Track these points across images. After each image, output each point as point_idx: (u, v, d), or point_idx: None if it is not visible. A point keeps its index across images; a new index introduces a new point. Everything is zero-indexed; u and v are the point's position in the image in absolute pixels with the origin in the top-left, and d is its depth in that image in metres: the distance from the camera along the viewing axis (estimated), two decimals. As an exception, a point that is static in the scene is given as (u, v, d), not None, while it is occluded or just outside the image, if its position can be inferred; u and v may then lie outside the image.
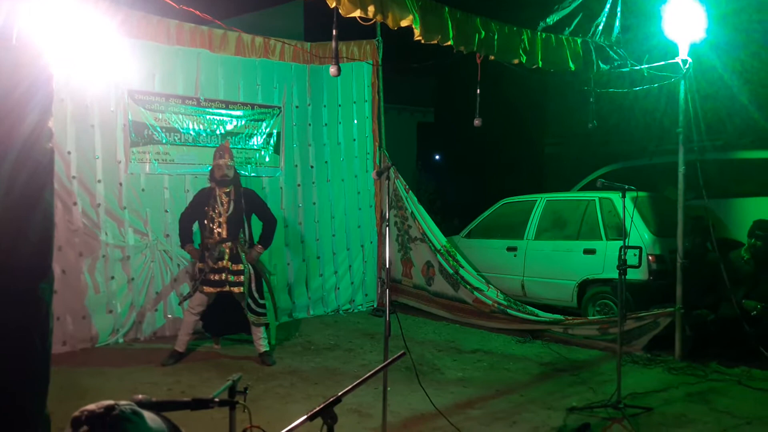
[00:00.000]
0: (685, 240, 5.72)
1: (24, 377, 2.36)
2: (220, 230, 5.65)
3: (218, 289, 5.66)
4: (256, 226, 5.96)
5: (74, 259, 6.00)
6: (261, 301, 5.75)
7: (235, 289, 5.66)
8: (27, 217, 2.43)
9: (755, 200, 7.10)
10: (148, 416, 1.45)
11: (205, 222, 5.68)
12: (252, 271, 5.72)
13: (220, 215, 5.66)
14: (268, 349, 5.77)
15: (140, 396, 1.83)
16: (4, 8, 2.44)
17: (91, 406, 1.36)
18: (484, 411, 4.61)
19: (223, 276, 5.64)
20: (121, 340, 6.29)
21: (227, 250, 5.64)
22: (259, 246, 5.82)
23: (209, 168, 6.83)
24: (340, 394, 1.92)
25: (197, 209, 5.77)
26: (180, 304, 6.31)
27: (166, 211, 6.64)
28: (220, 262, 5.63)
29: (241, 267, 5.66)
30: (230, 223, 5.65)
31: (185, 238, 5.83)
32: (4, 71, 2.45)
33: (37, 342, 2.39)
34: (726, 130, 7.70)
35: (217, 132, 7.01)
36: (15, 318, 2.32)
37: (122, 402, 1.39)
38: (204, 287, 5.65)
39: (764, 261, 5.96)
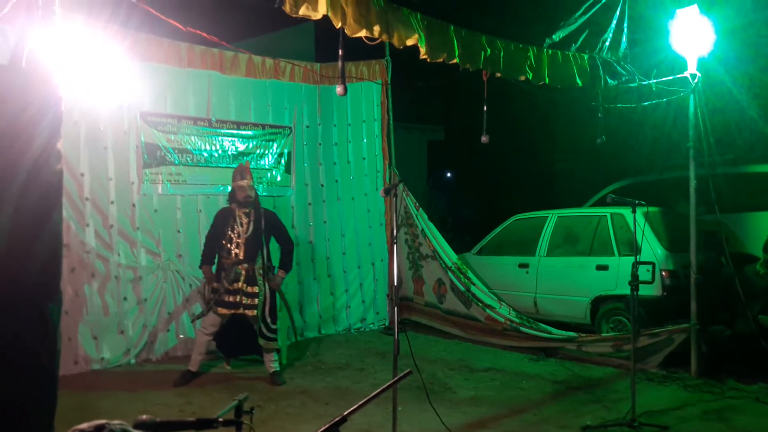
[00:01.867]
0: (698, 255, 5.66)
1: (30, 396, 2.37)
2: (237, 251, 5.60)
3: (232, 311, 5.61)
4: (272, 247, 5.96)
5: (87, 280, 6.04)
6: (273, 326, 5.71)
7: (249, 312, 5.61)
8: (35, 237, 2.46)
9: (768, 214, 7.02)
10: None
11: (223, 242, 5.64)
12: (267, 295, 5.68)
13: (238, 236, 5.62)
14: (278, 369, 5.75)
15: (144, 416, 1.83)
16: (15, 32, 2.49)
17: (83, 426, 1.36)
18: (497, 431, 4.55)
19: (238, 298, 5.59)
20: (133, 361, 6.30)
21: (243, 272, 5.60)
22: (282, 271, 5.80)
23: (221, 188, 6.94)
24: (346, 413, 1.90)
25: (220, 229, 5.73)
26: (193, 322, 6.29)
27: (179, 232, 6.69)
28: (235, 284, 5.59)
29: (256, 290, 5.62)
30: (248, 245, 5.61)
31: (206, 258, 5.80)
32: (14, 93, 2.49)
33: (45, 362, 2.40)
34: (736, 144, 7.66)
35: (229, 152, 7.07)
36: (22, 337, 2.34)
37: (114, 422, 1.40)
38: (218, 308, 5.60)
39: (780, 275, 5.89)
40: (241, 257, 5.59)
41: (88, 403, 5.03)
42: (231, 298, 5.59)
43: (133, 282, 6.35)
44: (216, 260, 5.77)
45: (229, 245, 5.61)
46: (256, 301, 5.60)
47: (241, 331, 5.78)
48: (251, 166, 7.20)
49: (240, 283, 5.59)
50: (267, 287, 5.69)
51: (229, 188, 6.91)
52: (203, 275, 5.89)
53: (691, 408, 4.92)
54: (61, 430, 2.63)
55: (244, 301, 5.60)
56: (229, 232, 5.62)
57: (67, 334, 5.75)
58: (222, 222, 5.72)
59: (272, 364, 5.70)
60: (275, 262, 5.89)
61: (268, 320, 5.66)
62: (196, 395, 5.34)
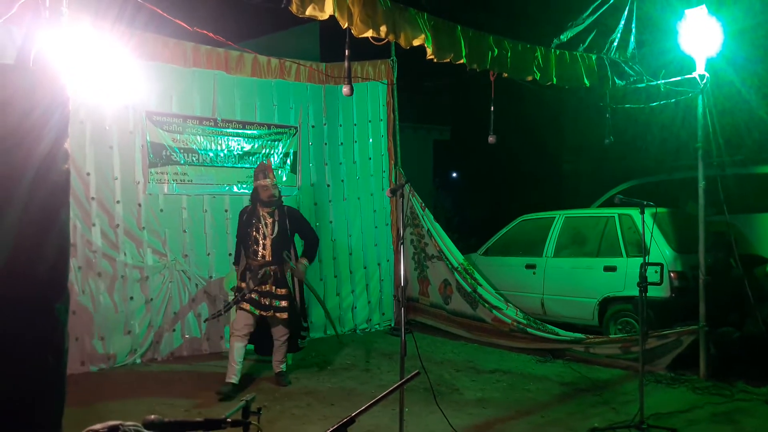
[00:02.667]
0: (707, 256, 5.61)
1: (39, 396, 2.36)
2: (264, 252, 5.43)
3: (263, 313, 5.41)
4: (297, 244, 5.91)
5: (93, 279, 6.05)
6: (305, 324, 5.77)
7: (280, 315, 5.43)
8: (43, 236, 2.45)
9: (778, 215, 6.98)
10: None
11: (249, 242, 5.48)
12: (297, 294, 5.62)
13: (264, 237, 5.44)
14: (285, 369, 5.73)
15: (152, 416, 1.82)
16: (22, 32, 2.49)
17: (97, 426, 1.36)
18: (504, 432, 4.53)
19: (269, 301, 5.41)
20: (138, 361, 6.30)
21: (272, 274, 5.43)
22: (304, 258, 5.67)
23: (226, 188, 6.94)
24: (353, 414, 1.89)
25: (245, 229, 5.57)
26: (205, 321, 6.29)
27: (185, 232, 6.69)
28: (263, 286, 5.40)
29: (285, 291, 5.48)
30: (275, 246, 5.46)
31: (237, 259, 5.75)
32: (22, 94, 2.49)
33: (51, 361, 2.39)
34: (745, 145, 7.60)
35: (235, 152, 7.07)
36: (30, 336, 2.33)
37: (128, 423, 1.39)
38: (245, 304, 5.38)
39: (790, 277, 5.85)
40: (268, 258, 5.43)
41: (94, 403, 5.02)
42: (263, 300, 5.39)
43: (139, 282, 6.36)
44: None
45: (255, 246, 5.44)
46: (285, 303, 5.44)
47: (264, 331, 5.65)
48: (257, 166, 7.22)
49: (268, 285, 5.41)
50: (296, 287, 5.60)
51: (235, 188, 7.00)
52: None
53: (700, 410, 4.88)
54: (68, 430, 2.62)
55: (275, 304, 5.41)
56: (254, 233, 5.46)
57: (74, 334, 5.75)
58: (246, 222, 5.56)
59: (281, 364, 5.65)
60: (302, 253, 5.80)
61: (300, 319, 5.64)
62: (202, 395, 5.33)
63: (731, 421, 4.66)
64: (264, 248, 5.44)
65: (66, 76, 2.67)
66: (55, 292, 2.49)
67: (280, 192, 5.67)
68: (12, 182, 2.37)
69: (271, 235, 5.45)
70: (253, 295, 5.37)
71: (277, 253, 5.47)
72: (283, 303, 5.44)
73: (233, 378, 5.36)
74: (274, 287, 5.44)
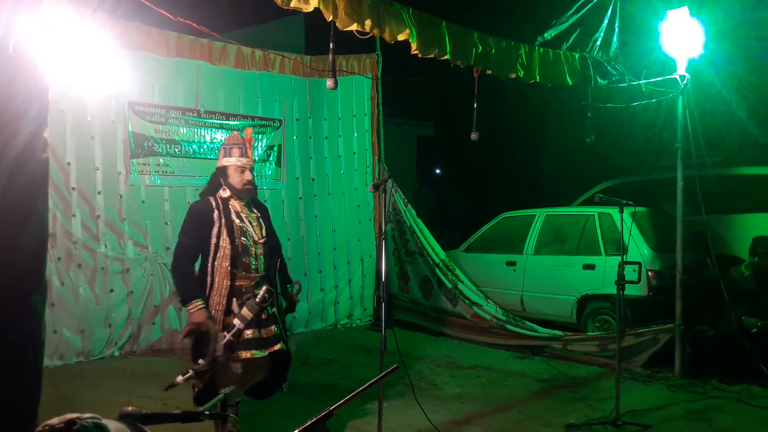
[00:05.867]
0: (684, 256, 5.70)
1: (15, 389, 2.33)
2: (257, 264, 3.73)
3: (271, 350, 3.73)
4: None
5: (73, 271, 5.99)
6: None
7: (279, 347, 3.80)
8: (21, 226, 2.42)
9: (755, 216, 7.09)
10: (115, 428, 1.43)
11: (236, 253, 3.68)
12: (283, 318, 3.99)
13: (254, 241, 3.74)
14: None
15: (130, 408, 1.81)
16: (1, 19, 2.44)
17: (53, 420, 1.34)
18: (482, 428, 4.57)
19: (273, 329, 3.78)
20: (117, 353, 6.26)
21: (272, 293, 3.76)
22: (297, 281, 4.18)
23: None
24: (332, 408, 1.90)
25: (202, 236, 3.65)
26: (167, 388, 3.60)
27: (167, 224, 6.64)
28: (264, 313, 3.72)
29: (275, 312, 3.86)
30: (266, 254, 3.81)
31: (190, 289, 3.57)
32: (1, 82, 2.45)
33: (30, 354, 2.37)
34: (725, 146, 7.72)
35: (218, 144, 7.01)
36: (7, 328, 2.30)
37: (85, 415, 1.38)
38: (241, 353, 3.60)
39: (765, 278, 5.94)
40: (262, 272, 3.76)
41: (71, 396, 4.98)
42: (265, 332, 3.73)
43: (120, 274, 6.31)
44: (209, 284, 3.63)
45: (245, 257, 3.69)
46: (275, 329, 3.82)
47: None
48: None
49: (273, 309, 3.79)
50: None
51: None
52: (194, 321, 3.49)
53: (675, 407, 4.96)
54: (42, 421, 2.60)
55: (275, 332, 3.79)
56: (241, 238, 3.69)
57: (53, 326, 5.70)
58: (205, 223, 3.67)
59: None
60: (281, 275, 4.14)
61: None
62: (180, 388, 5.25)
63: (705, 418, 4.74)
64: (256, 258, 3.73)
65: (46, 64, 2.63)
66: (32, 283, 2.46)
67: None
68: (-11, 172, 2.33)
69: (262, 238, 3.79)
70: (249, 333, 3.64)
71: (270, 264, 3.85)
72: (279, 329, 3.85)
73: None
74: (274, 310, 3.83)
